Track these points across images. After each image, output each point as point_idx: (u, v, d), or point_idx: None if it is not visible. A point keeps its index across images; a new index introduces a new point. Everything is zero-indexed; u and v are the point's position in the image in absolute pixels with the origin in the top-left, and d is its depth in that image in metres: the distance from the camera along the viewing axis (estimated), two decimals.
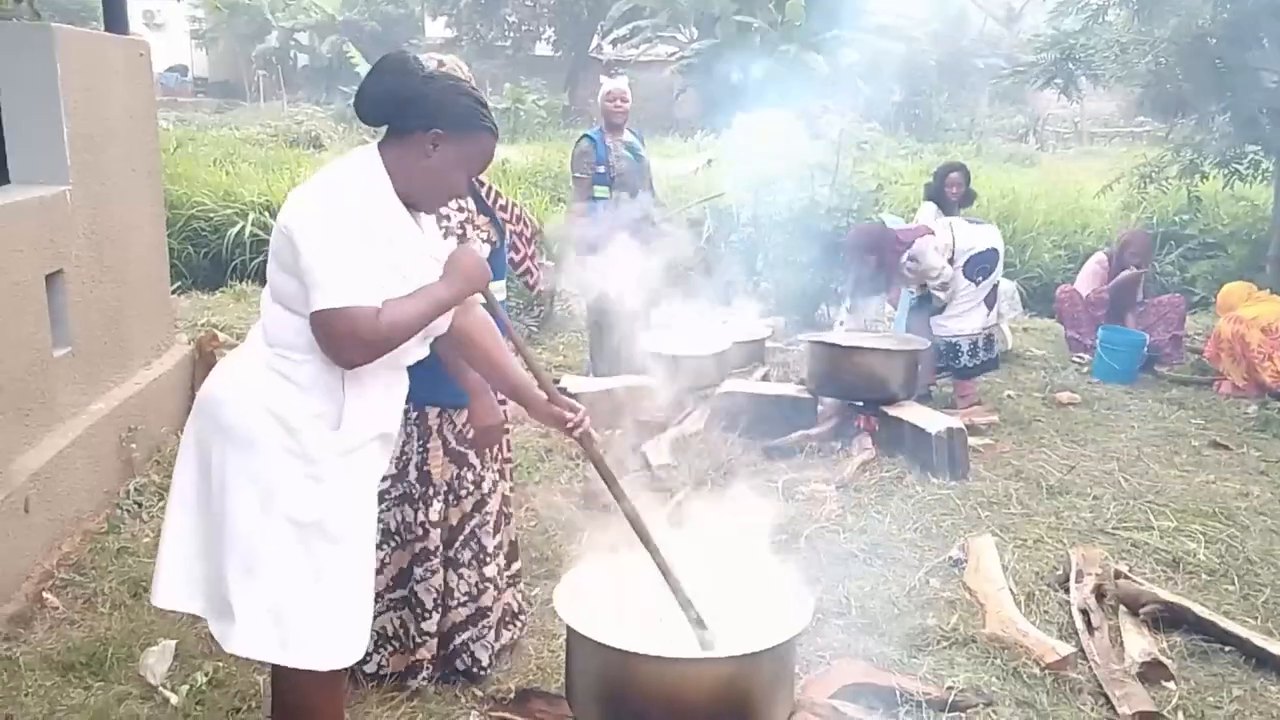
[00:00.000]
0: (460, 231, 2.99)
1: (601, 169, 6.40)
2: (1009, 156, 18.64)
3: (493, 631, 3.23)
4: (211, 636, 3.27)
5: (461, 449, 3.08)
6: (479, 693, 3.16)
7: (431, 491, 3.05)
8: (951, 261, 6.01)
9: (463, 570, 3.13)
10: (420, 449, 3.04)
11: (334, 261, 2.13)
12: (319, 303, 2.13)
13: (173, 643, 3.32)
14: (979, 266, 6.08)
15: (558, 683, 3.10)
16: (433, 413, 3.03)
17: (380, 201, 2.25)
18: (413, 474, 3.05)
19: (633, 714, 2.57)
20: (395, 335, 2.20)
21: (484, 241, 3.05)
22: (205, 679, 3.14)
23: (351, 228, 2.16)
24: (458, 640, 3.16)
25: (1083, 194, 12.04)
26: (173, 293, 6.58)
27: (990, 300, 6.15)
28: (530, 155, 14.07)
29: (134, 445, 4.51)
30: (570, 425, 2.59)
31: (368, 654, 3.09)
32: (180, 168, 11.17)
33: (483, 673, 3.19)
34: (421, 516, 3.05)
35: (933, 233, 6.11)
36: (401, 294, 2.23)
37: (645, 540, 2.67)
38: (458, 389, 2.86)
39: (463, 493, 3.11)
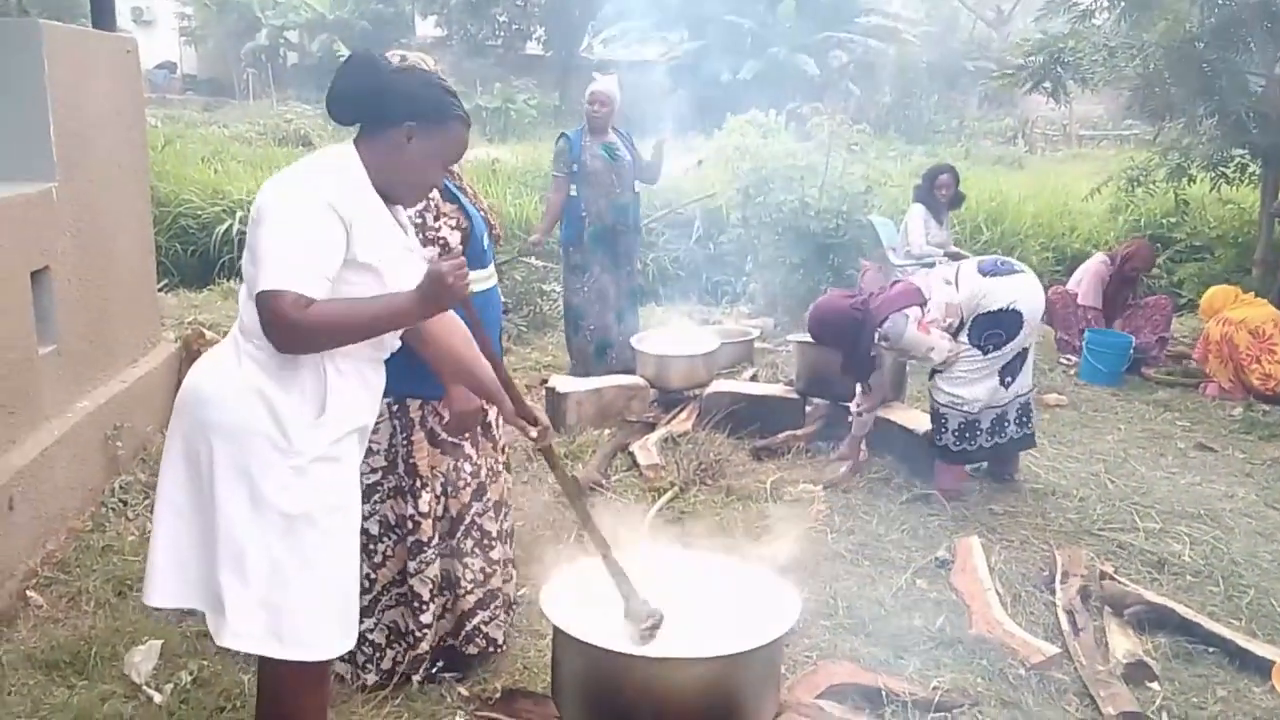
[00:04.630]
0: (419, 220, 2.91)
1: (575, 168, 6.43)
2: (998, 159, 18.70)
3: (504, 611, 3.27)
4: (197, 635, 3.30)
5: (456, 440, 3.08)
6: (465, 692, 3.15)
7: (420, 484, 3.05)
8: (961, 325, 4.68)
9: (467, 559, 3.15)
10: (405, 441, 3.04)
11: (278, 246, 2.14)
12: (258, 284, 2.14)
13: (158, 642, 3.30)
14: (989, 331, 4.65)
15: (544, 683, 3.10)
16: (414, 405, 3.01)
17: (355, 193, 2.25)
18: (400, 467, 3.05)
19: (619, 714, 2.56)
20: (324, 331, 2.16)
21: (452, 229, 2.98)
22: (190, 678, 3.13)
23: (308, 215, 2.16)
24: (469, 625, 3.17)
25: (1071, 196, 12.09)
26: (160, 290, 6.56)
27: (1014, 369, 4.73)
28: (521, 155, 14.05)
29: (119, 443, 4.49)
30: (534, 437, 2.62)
31: (381, 652, 3.11)
32: (168, 165, 11.14)
33: (496, 650, 3.24)
34: (411, 509, 3.05)
35: (921, 298, 4.70)
36: (371, 292, 2.23)
37: (607, 561, 2.73)
38: (439, 380, 2.85)
39: (460, 484, 3.12)
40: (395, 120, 2.28)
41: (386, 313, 2.22)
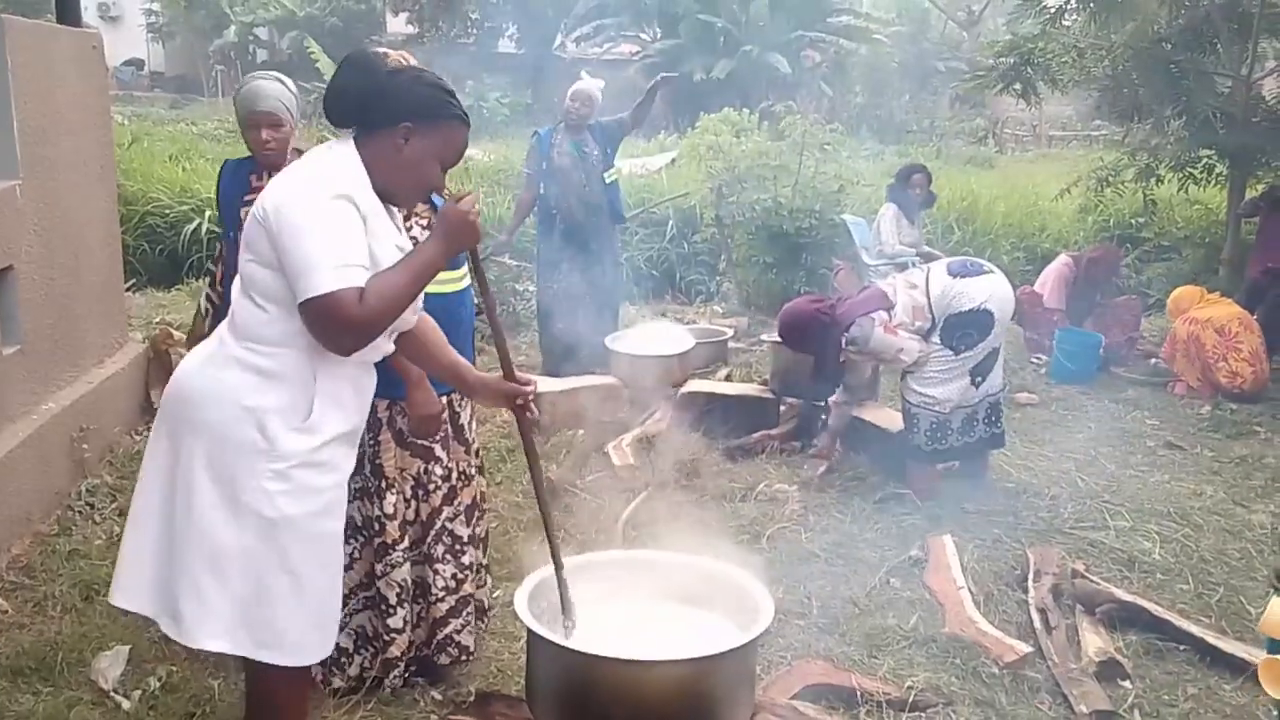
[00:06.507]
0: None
1: (545, 165, 6.48)
2: (969, 159, 18.78)
3: (476, 618, 3.23)
4: (166, 640, 3.25)
5: (426, 443, 3.05)
6: (438, 696, 3.13)
7: (385, 485, 3.02)
8: (932, 327, 4.68)
9: (438, 565, 3.11)
10: (372, 442, 3.01)
11: (315, 248, 2.12)
12: (305, 292, 2.11)
13: (126, 647, 3.26)
14: (961, 331, 4.68)
15: (518, 685, 3.08)
16: (381, 405, 2.98)
17: (363, 187, 2.25)
18: (366, 468, 3.02)
19: (593, 716, 2.56)
20: (385, 311, 2.17)
21: (423, 229, 2.97)
22: (158, 684, 3.09)
23: (334, 212, 2.15)
24: (441, 634, 3.13)
25: (1041, 196, 12.17)
26: (127, 290, 6.48)
27: (984, 369, 4.73)
28: (493, 153, 13.97)
29: (86, 445, 4.43)
30: (520, 400, 2.58)
31: (349, 656, 3.08)
32: (135, 163, 10.98)
33: (469, 659, 3.19)
34: (377, 511, 3.02)
35: (887, 302, 4.71)
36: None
37: (548, 532, 2.77)
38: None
39: (431, 487, 3.09)
40: (392, 120, 2.26)
41: (418, 269, 2.24)
